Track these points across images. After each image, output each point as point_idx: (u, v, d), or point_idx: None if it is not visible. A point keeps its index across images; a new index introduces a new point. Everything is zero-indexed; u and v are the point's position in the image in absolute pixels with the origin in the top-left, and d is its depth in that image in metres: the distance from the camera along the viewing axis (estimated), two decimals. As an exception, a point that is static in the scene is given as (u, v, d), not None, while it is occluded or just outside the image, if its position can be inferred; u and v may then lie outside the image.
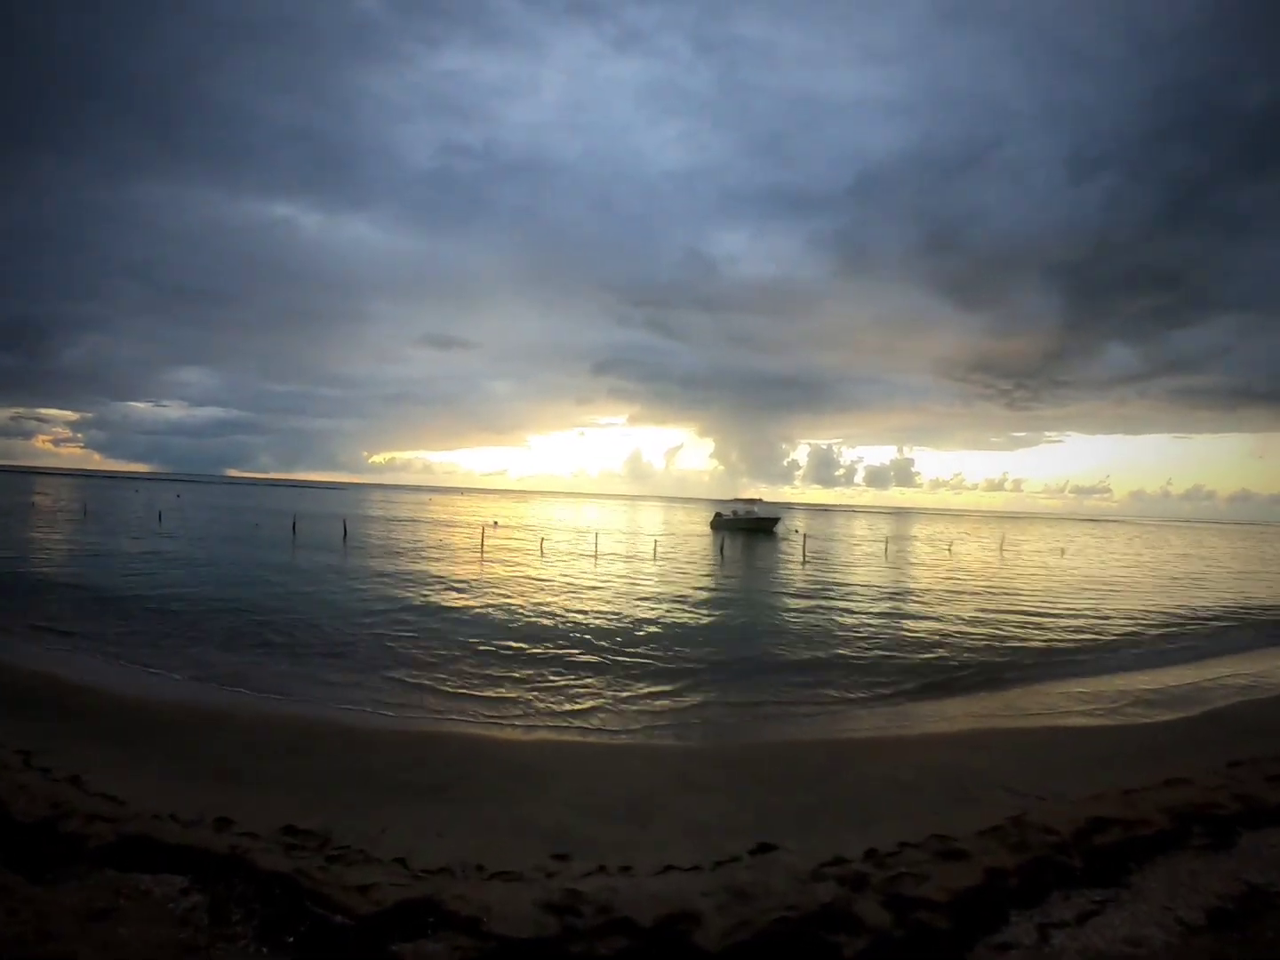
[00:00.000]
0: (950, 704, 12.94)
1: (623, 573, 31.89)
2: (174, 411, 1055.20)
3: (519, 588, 25.30)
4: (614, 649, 16.15)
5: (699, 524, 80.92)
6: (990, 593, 28.55)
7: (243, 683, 12.34)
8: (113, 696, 11.03)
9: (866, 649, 17.07)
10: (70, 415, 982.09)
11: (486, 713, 11.30)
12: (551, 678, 13.60)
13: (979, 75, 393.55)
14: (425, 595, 22.75)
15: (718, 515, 77.31)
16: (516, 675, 13.61)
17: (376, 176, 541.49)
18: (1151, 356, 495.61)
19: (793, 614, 22.09)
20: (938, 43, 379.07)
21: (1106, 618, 23.01)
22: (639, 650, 16.11)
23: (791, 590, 27.93)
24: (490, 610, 20.54)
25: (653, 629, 18.75)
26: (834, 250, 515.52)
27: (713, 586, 28.59)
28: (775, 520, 72.86)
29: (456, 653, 15.12)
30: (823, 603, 24.49)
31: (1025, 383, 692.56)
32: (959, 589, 29.46)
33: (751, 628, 19.89)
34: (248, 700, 11.46)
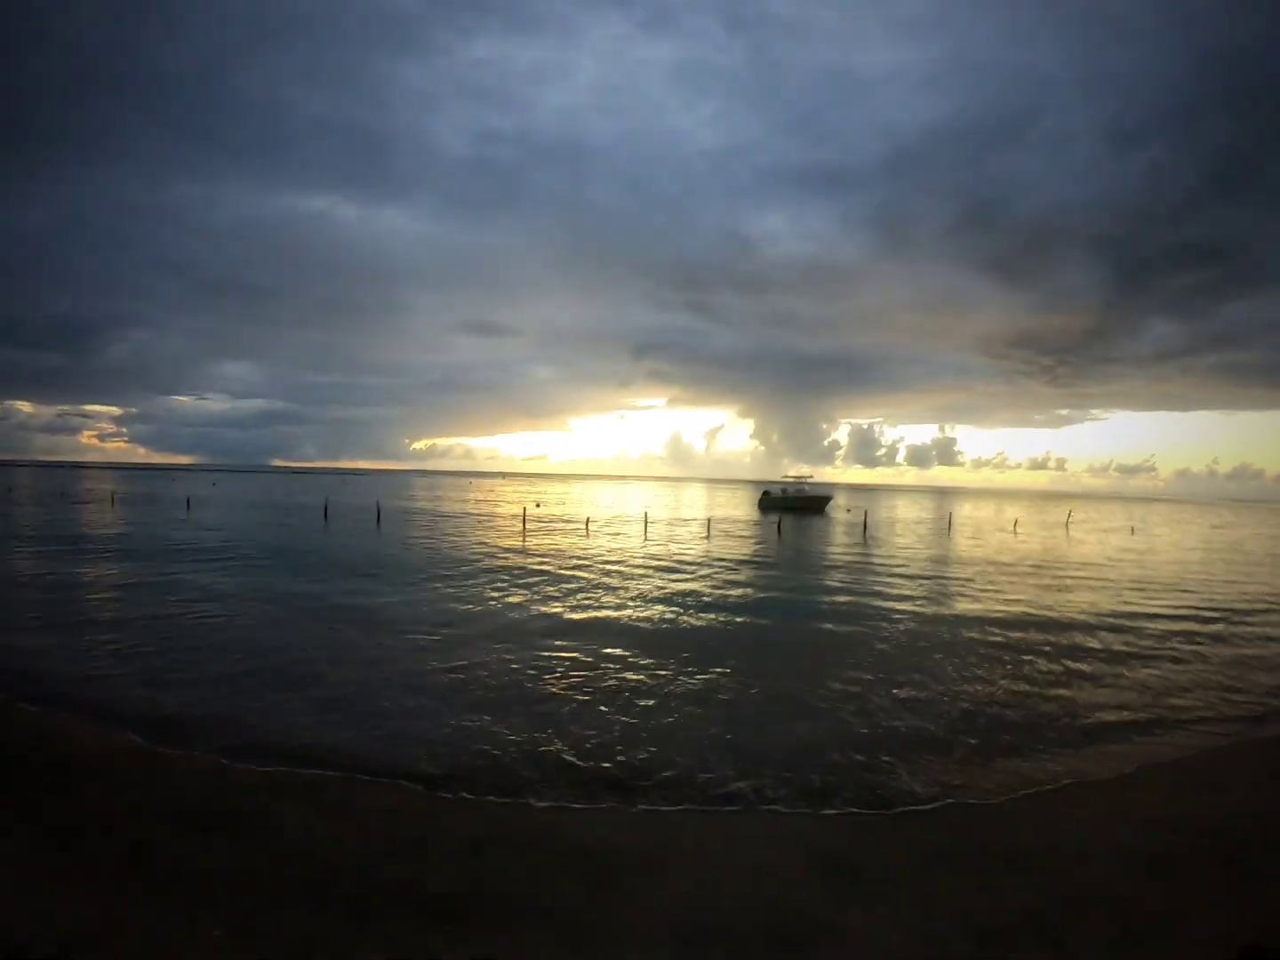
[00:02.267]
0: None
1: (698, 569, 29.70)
2: (217, 404, 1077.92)
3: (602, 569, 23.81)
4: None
5: (744, 505, 78.61)
6: (1144, 585, 24.80)
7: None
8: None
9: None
10: (115, 410, 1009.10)
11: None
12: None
13: (1014, 46, 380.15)
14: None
15: (765, 494, 74.69)
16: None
17: (412, 166, 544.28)
18: (1197, 332, 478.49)
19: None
20: (971, 13, 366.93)
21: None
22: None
23: (905, 592, 21.53)
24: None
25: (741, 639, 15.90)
26: (871, 227, 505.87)
27: (795, 585, 22.94)
28: (827, 499, 70.36)
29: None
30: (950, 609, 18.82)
31: (1068, 359, 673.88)
32: (1085, 577, 26.52)
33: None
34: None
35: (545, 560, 26.77)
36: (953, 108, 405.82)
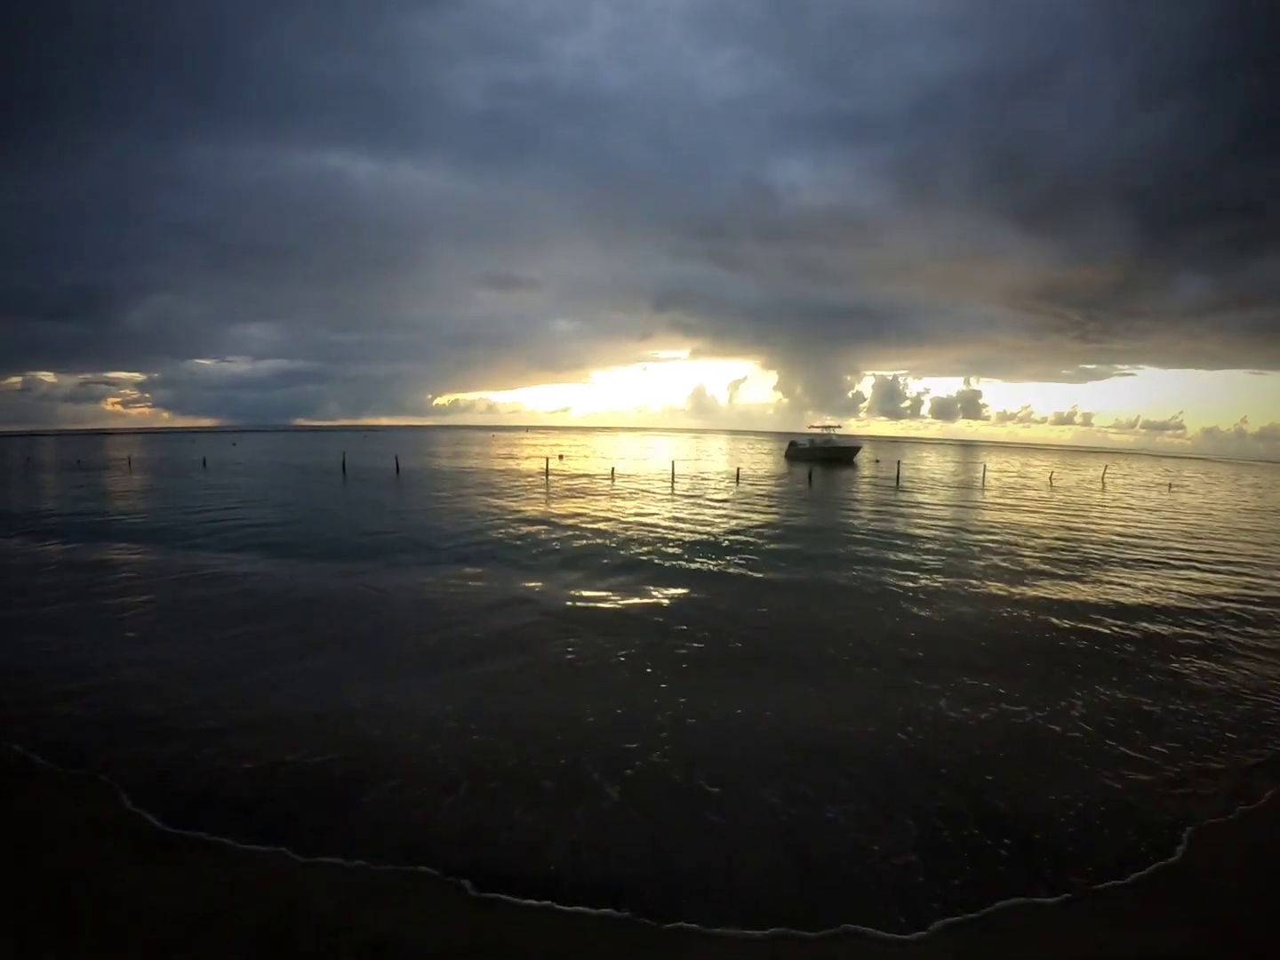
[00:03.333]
0: None
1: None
2: (238, 366, 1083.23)
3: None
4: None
5: (769, 457, 76.98)
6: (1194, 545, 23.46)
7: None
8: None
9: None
10: (138, 377, 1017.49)
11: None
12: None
13: None
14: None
15: (792, 445, 73.17)
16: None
17: (428, 121, 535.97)
18: (1228, 288, 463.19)
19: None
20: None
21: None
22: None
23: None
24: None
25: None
26: (896, 177, 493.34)
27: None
28: (855, 449, 68.63)
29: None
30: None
31: (1096, 314, 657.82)
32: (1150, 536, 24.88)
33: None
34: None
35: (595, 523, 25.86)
36: (979, 56, 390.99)
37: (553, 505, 25.61)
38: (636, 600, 13.03)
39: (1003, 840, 5.68)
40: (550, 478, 31.66)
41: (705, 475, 40.93)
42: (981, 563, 17.46)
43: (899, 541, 20.34)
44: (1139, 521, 27.45)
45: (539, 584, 14.09)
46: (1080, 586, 15.13)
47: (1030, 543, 20.68)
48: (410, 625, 11.23)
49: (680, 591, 13.81)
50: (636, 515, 24.07)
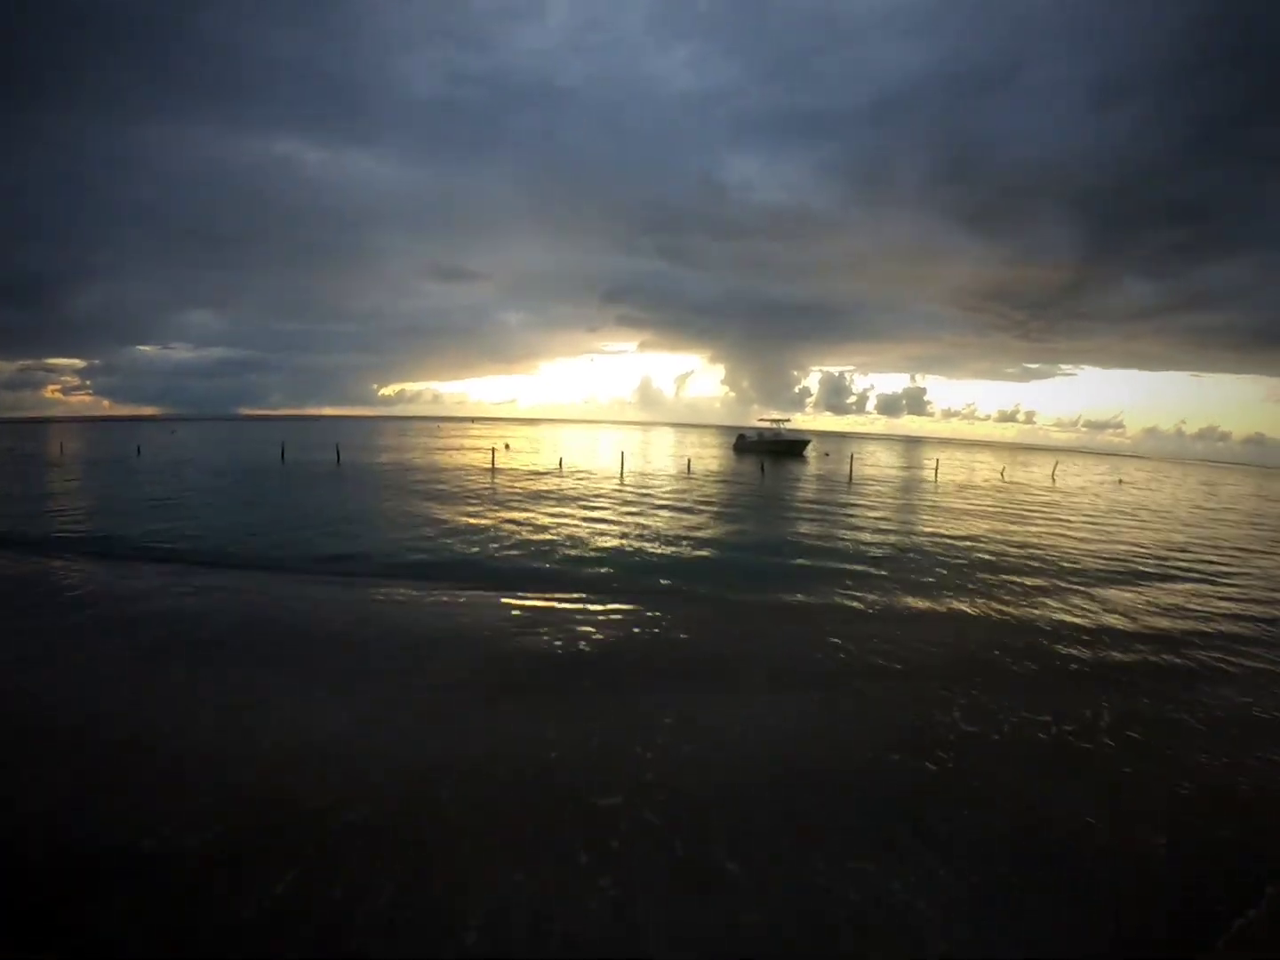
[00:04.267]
0: None
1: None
2: (182, 354, 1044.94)
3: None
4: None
5: (717, 449, 76.10)
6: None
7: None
8: None
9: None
10: (78, 363, 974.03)
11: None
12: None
13: None
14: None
15: (741, 437, 72.63)
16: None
17: (381, 109, 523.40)
18: (1171, 292, 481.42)
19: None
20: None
21: None
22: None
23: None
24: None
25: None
26: (849, 176, 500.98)
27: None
28: (805, 443, 68.28)
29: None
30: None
31: (1041, 314, 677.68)
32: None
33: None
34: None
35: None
36: (936, 57, 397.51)
37: (497, 509, 23.95)
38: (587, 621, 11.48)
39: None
40: (496, 477, 29.92)
41: (653, 474, 39.62)
42: (952, 571, 16.55)
43: (863, 550, 19.04)
44: (1118, 526, 26.65)
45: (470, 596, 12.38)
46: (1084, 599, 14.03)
47: (1004, 550, 19.88)
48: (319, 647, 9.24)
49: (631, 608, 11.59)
50: (585, 519, 22.48)
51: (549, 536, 16.73)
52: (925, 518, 22.54)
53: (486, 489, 26.05)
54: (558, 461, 41.72)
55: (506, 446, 62.07)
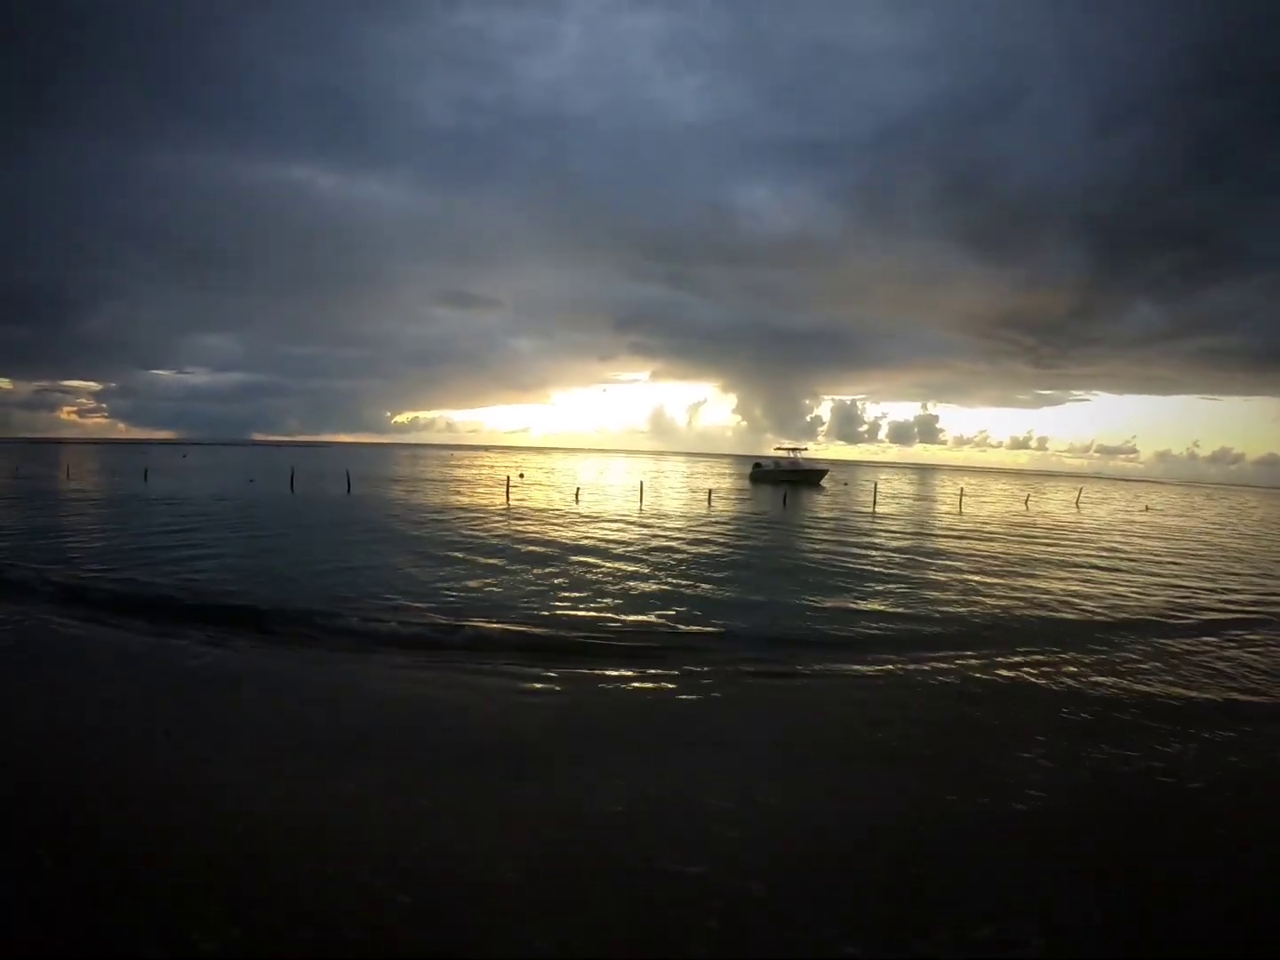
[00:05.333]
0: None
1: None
2: (197, 378, 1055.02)
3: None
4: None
5: (732, 478, 75.19)
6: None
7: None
8: None
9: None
10: (93, 386, 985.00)
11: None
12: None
13: (1003, 22, 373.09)
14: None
15: (757, 466, 71.57)
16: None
17: (393, 135, 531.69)
18: (1180, 315, 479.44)
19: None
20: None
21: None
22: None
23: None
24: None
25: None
26: (856, 202, 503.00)
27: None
28: (823, 472, 67.47)
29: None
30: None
31: (1051, 340, 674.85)
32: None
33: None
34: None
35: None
36: (940, 84, 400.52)
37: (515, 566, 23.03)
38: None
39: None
40: (512, 522, 28.98)
41: (670, 514, 38.61)
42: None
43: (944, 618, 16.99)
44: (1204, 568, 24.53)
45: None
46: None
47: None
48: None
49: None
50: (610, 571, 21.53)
51: (579, 594, 15.18)
52: (980, 568, 20.60)
53: (501, 536, 25.04)
54: (574, 494, 40.88)
55: (521, 475, 61.76)
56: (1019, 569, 19.56)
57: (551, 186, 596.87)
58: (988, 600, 14.92)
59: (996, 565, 19.97)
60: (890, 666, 9.93)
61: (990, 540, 26.06)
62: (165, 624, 11.07)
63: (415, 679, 8.87)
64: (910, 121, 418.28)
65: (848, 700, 8.48)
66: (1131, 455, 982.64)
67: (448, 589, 14.25)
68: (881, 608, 13.81)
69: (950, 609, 13.93)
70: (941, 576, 17.67)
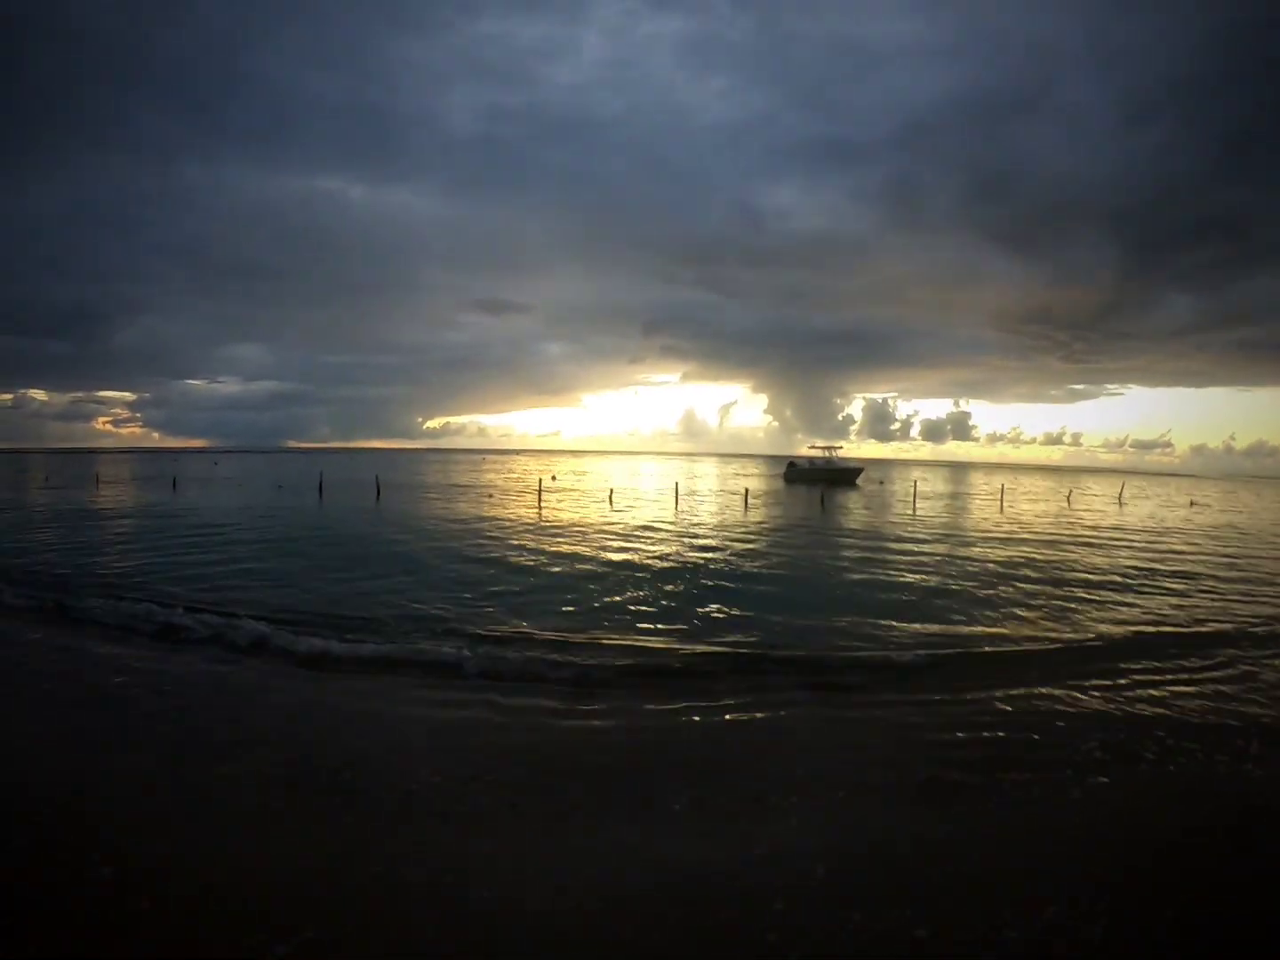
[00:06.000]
0: None
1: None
2: (229, 387, 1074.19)
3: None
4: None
5: (765, 478, 74.47)
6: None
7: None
8: None
9: None
10: (128, 396, 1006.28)
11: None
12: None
13: (1027, 17, 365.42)
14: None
15: (791, 465, 70.86)
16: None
17: (421, 145, 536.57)
18: (1214, 308, 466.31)
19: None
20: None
21: None
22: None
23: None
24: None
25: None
26: (883, 201, 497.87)
27: None
28: (858, 470, 66.62)
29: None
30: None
31: (1084, 335, 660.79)
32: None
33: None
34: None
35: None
36: (965, 80, 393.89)
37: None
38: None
39: None
40: (540, 539, 28.71)
41: (704, 520, 38.16)
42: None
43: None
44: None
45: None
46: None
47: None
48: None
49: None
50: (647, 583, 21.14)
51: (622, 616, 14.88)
52: (1055, 577, 19.61)
53: (529, 550, 24.82)
54: (608, 498, 40.62)
55: (553, 478, 62.07)
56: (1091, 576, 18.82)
57: (579, 191, 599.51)
58: (1081, 618, 13.90)
59: (1071, 575, 18.74)
60: (977, 694, 8.84)
61: (1049, 545, 25.15)
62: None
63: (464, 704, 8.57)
64: (937, 118, 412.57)
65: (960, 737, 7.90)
66: (1167, 449, 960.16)
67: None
68: (951, 626, 13.10)
69: (1031, 626, 13.13)
70: (1005, 590, 16.41)
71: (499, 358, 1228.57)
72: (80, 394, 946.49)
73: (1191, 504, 51.58)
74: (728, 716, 7.85)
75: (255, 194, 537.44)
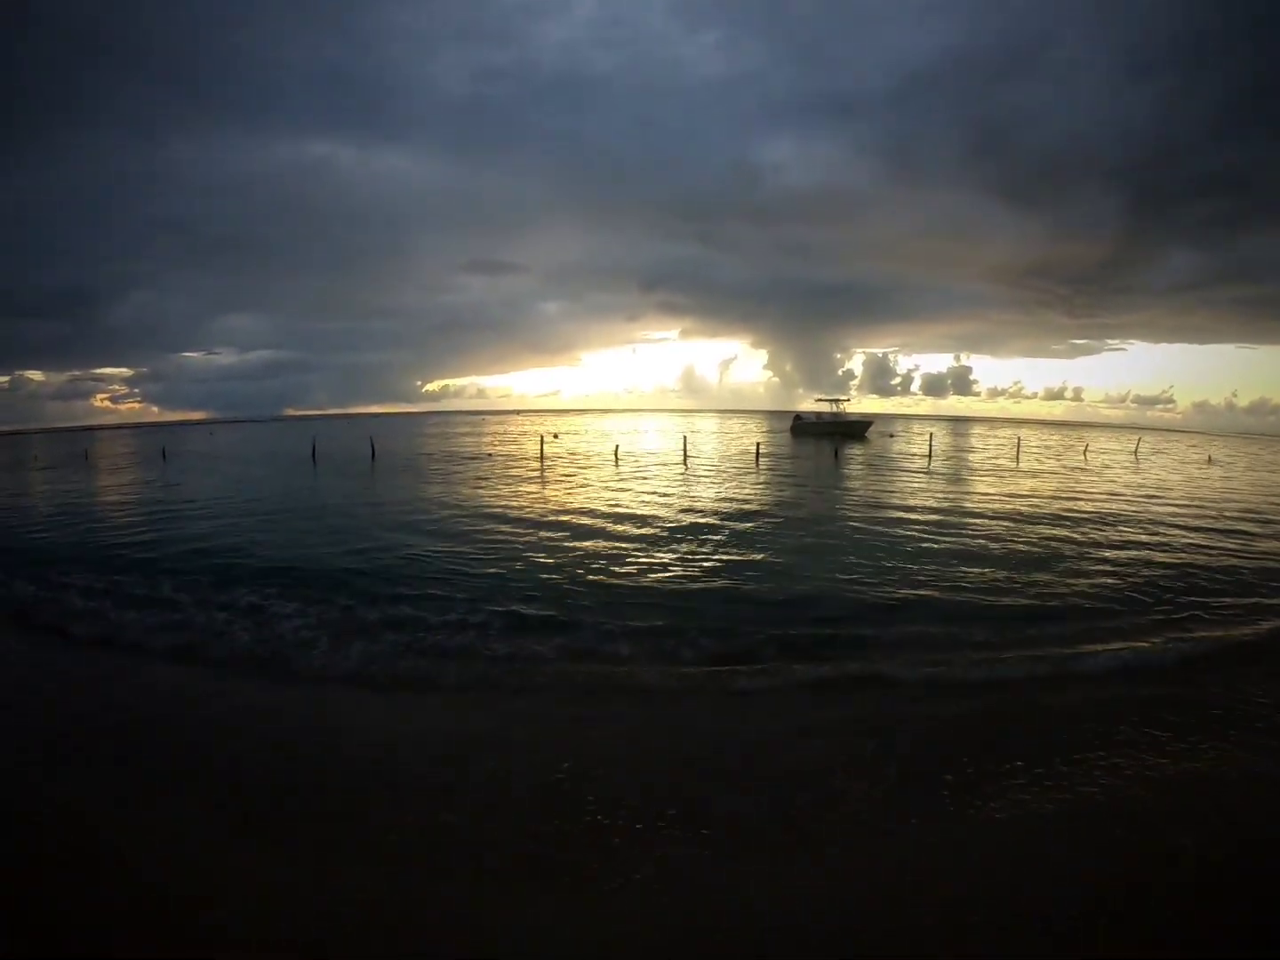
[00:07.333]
0: None
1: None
2: (226, 358, 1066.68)
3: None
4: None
5: (773, 433, 72.78)
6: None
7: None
8: None
9: None
10: (125, 372, 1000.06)
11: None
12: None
13: None
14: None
15: (798, 418, 69.38)
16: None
17: (410, 108, 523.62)
18: (1217, 263, 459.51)
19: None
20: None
21: None
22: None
23: None
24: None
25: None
26: (882, 155, 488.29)
27: None
28: (867, 424, 65.13)
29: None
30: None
31: (1085, 289, 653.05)
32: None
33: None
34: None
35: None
36: (963, 34, 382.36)
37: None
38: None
39: None
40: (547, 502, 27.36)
41: (715, 476, 36.80)
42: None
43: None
44: None
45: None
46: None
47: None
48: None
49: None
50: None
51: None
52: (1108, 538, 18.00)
53: (531, 515, 23.48)
54: (613, 455, 39.28)
55: (555, 436, 61.02)
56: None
57: (573, 150, 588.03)
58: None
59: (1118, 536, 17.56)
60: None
61: (1080, 500, 23.89)
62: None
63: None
64: (934, 73, 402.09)
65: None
66: (1169, 405, 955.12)
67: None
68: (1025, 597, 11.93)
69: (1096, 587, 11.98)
70: (1044, 549, 15.41)
71: (496, 319, 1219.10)
72: (78, 372, 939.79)
73: (1209, 460, 49.72)
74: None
75: (244, 165, 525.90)
